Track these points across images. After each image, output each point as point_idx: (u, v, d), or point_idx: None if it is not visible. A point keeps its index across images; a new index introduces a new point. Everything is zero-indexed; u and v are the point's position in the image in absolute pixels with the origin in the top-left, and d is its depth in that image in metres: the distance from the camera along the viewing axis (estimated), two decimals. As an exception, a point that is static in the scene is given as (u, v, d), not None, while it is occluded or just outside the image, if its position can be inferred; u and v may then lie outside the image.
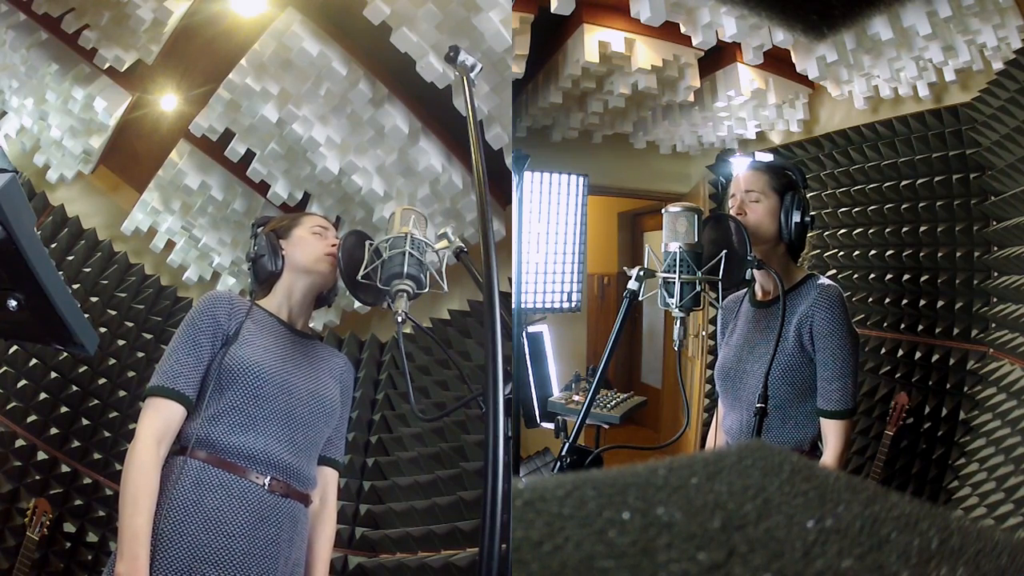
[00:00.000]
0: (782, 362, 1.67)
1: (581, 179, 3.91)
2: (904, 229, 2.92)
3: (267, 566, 1.41)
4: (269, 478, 1.44)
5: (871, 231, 3.09)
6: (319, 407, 1.56)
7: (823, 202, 3.34)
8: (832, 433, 1.64)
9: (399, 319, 1.34)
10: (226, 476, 1.40)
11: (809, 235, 1.77)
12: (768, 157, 1.87)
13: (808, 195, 1.76)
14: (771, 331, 1.70)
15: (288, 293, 1.63)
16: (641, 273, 1.60)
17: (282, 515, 1.45)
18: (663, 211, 1.60)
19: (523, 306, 3.74)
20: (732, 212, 1.73)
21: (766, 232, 1.71)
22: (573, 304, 4.00)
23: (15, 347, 2.89)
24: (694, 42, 2.71)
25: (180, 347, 1.47)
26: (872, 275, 3.08)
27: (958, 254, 2.70)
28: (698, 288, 1.53)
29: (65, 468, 2.93)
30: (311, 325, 1.74)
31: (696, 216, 1.57)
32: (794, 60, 2.97)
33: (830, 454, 1.64)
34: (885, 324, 3.03)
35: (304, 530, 1.55)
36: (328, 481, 1.66)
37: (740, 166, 1.81)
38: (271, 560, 1.42)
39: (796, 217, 1.69)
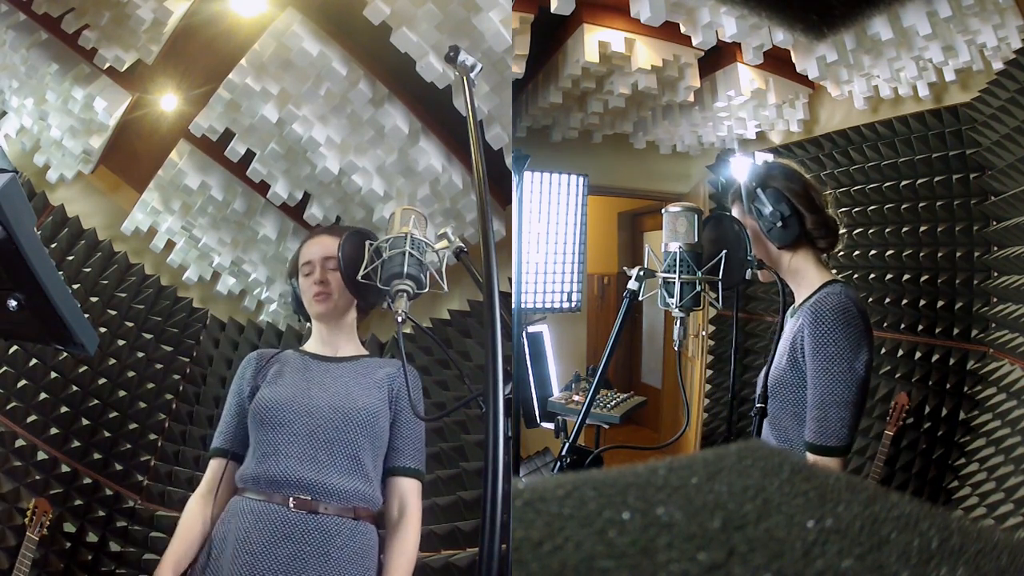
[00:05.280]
0: (775, 378, 1.58)
1: (581, 179, 3.91)
2: (904, 229, 2.92)
3: None
4: (292, 498, 1.52)
5: (871, 231, 3.09)
6: (344, 420, 1.59)
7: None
8: None
9: (399, 319, 1.34)
10: (252, 503, 1.54)
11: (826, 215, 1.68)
12: (735, 178, 1.73)
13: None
14: (785, 342, 1.60)
15: (318, 327, 1.78)
16: (641, 273, 1.60)
17: (308, 531, 1.49)
18: (663, 211, 1.60)
19: (523, 306, 3.73)
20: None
21: (767, 254, 1.63)
22: (573, 304, 4.00)
23: (15, 347, 2.89)
24: (694, 42, 2.71)
25: (224, 412, 1.74)
26: (872, 275, 3.08)
27: (958, 254, 2.70)
28: (698, 288, 1.53)
29: (65, 468, 2.93)
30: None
31: (696, 216, 1.56)
32: (794, 60, 2.97)
33: None
34: (885, 324, 3.03)
35: (352, 544, 1.54)
36: (405, 491, 1.65)
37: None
38: None
39: (768, 223, 1.58)
